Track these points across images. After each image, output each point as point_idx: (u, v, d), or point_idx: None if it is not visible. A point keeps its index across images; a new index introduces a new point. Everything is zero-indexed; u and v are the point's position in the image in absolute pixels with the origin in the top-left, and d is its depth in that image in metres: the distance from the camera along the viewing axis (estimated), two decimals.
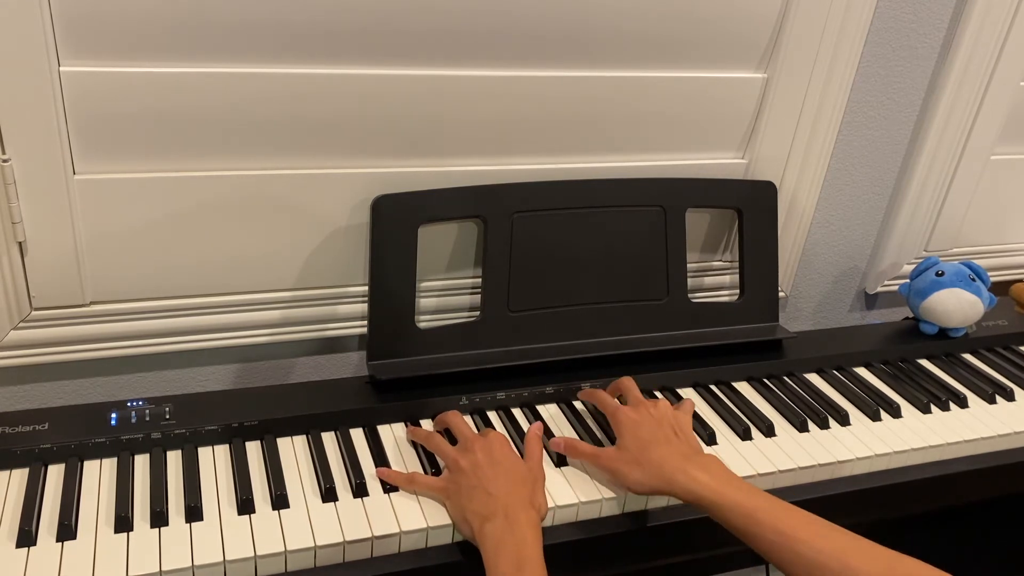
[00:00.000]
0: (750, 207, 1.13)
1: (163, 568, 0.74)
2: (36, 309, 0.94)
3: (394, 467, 0.89)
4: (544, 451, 0.92)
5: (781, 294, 1.26)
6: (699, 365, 1.09)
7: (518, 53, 0.99)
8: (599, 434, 0.97)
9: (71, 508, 0.79)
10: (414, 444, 0.93)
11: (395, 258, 0.98)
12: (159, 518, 0.79)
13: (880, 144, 1.25)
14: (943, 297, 1.19)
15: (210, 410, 0.91)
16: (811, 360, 1.15)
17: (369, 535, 0.80)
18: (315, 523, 0.81)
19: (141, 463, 0.86)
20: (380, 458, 0.90)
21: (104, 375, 1.02)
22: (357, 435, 0.93)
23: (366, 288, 1.06)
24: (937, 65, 1.21)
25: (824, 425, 1.03)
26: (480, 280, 1.03)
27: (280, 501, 0.82)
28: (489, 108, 1.01)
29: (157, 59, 0.86)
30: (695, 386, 1.08)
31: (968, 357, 1.23)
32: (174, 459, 0.87)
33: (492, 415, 0.99)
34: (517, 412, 1.00)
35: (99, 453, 0.86)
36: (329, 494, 0.84)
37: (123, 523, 0.78)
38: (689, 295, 1.12)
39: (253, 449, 0.90)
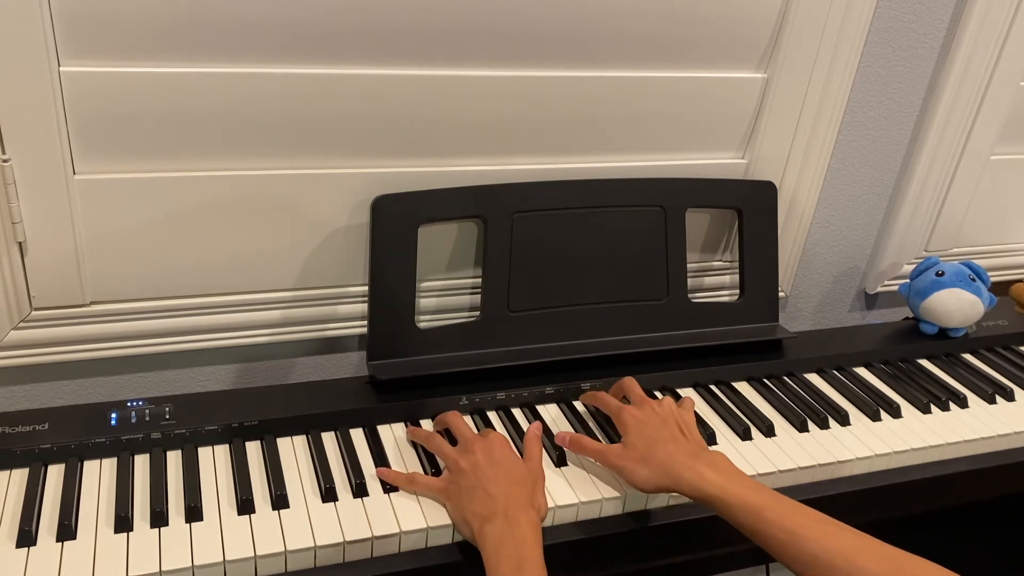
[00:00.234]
0: (750, 207, 1.13)
1: (163, 568, 0.74)
2: (36, 309, 0.94)
3: (394, 467, 0.89)
4: (544, 451, 0.92)
5: (781, 294, 1.26)
6: (699, 365, 1.09)
7: (518, 53, 0.99)
8: (599, 435, 0.97)
9: (71, 508, 0.79)
10: (414, 444, 0.93)
11: (395, 258, 0.98)
12: (159, 518, 0.79)
13: (880, 144, 1.25)
14: (943, 297, 1.19)
15: (210, 410, 0.91)
16: (811, 360, 1.15)
17: (369, 535, 0.80)
18: (315, 523, 0.81)
19: (141, 463, 0.86)
20: (380, 458, 0.90)
21: (104, 375, 1.02)
22: (357, 435, 0.93)
23: (366, 288, 1.06)
24: (937, 65, 1.21)
25: (824, 425, 1.03)
26: (480, 280, 1.03)
27: (280, 501, 0.82)
28: (489, 108, 1.01)
29: (157, 59, 0.86)
30: (695, 386, 1.08)
31: (968, 357, 1.23)
32: (174, 459, 0.87)
33: (492, 415, 0.99)
34: (517, 412, 1.00)
35: (99, 453, 0.86)
36: (329, 494, 0.84)
37: (123, 523, 0.78)
38: (689, 295, 1.12)
39: (253, 449, 0.90)
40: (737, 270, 1.16)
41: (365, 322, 1.06)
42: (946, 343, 1.23)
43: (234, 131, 0.92)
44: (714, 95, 1.10)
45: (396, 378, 0.97)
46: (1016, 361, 1.22)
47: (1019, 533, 1.42)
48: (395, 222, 0.97)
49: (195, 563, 0.75)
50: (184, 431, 0.88)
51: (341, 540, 0.79)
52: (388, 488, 0.86)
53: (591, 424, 0.99)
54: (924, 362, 1.20)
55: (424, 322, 1.08)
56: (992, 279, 1.23)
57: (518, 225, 1.02)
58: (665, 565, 0.93)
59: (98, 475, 0.85)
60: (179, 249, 0.97)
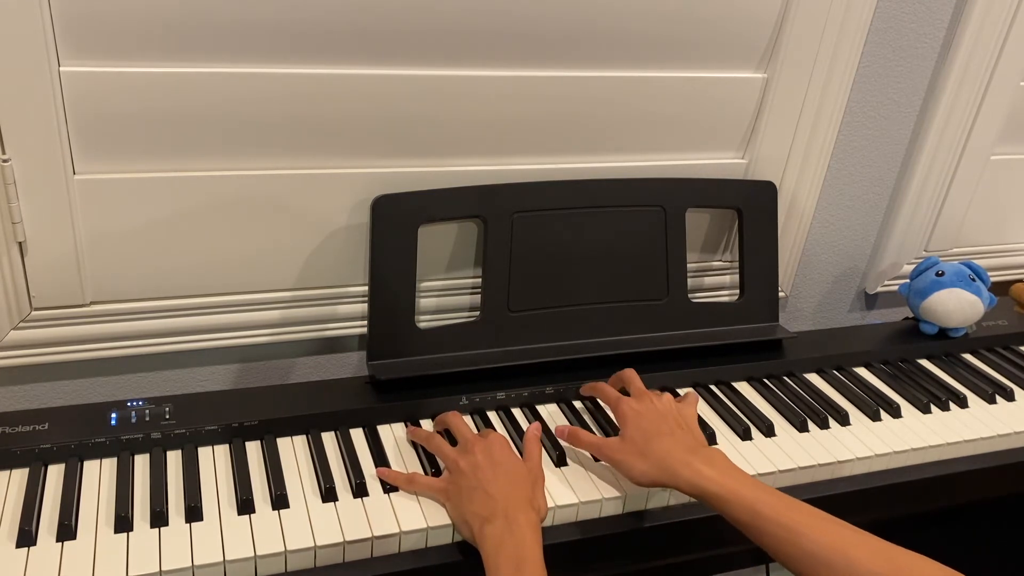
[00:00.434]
0: (750, 207, 1.13)
1: (163, 568, 0.74)
2: (36, 309, 0.94)
3: (394, 467, 0.89)
4: (543, 451, 0.93)
5: (781, 294, 1.26)
6: (699, 365, 1.09)
7: (518, 53, 0.99)
8: (599, 434, 0.97)
9: (71, 508, 0.79)
10: (414, 444, 0.93)
11: (395, 258, 0.98)
12: (159, 518, 0.79)
13: (880, 144, 1.25)
14: (943, 297, 1.19)
15: (210, 410, 0.91)
16: (811, 360, 1.15)
17: (369, 535, 0.80)
18: (315, 523, 0.81)
19: (141, 463, 0.86)
20: (380, 458, 0.90)
21: (104, 375, 1.02)
22: (357, 435, 0.93)
23: (366, 288, 1.06)
24: (937, 65, 1.21)
25: (824, 425, 1.03)
26: (480, 280, 1.03)
27: (280, 501, 0.82)
28: (489, 108, 1.01)
29: (157, 59, 0.86)
30: (695, 386, 1.08)
31: (968, 357, 1.23)
32: (174, 459, 0.87)
33: (492, 415, 0.99)
34: (517, 412, 1.00)
35: (99, 453, 0.86)
36: (329, 494, 0.84)
37: (123, 523, 0.78)
38: (689, 295, 1.12)
39: (253, 449, 0.90)
40: (737, 270, 1.16)
41: (365, 322, 1.06)
42: (946, 343, 1.23)
43: (234, 131, 0.92)
44: (714, 95, 1.10)
45: (396, 378, 0.97)
46: (1016, 361, 1.22)
47: (1019, 533, 1.42)
48: (395, 222, 0.97)
49: (195, 563, 0.75)
50: (184, 431, 0.88)
51: (341, 540, 0.79)
52: (388, 488, 0.86)
53: (590, 423, 0.99)
54: (924, 362, 1.20)
55: (424, 322, 1.08)
56: (992, 279, 1.23)
57: (518, 225, 1.02)
58: (665, 565, 0.93)
59: (98, 475, 0.85)
60: (179, 249, 0.97)
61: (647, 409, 0.89)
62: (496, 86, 0.99)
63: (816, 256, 1.31)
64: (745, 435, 0.99)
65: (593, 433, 0.96)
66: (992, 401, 1.12)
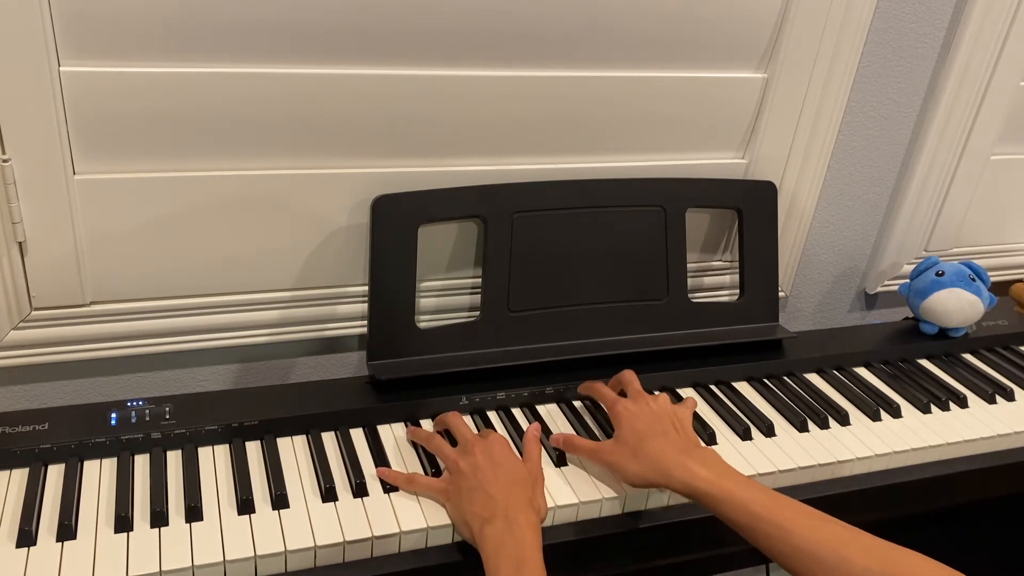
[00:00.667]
0: (750, 207, 1.13)
1: (163, 568, 0.74)
2: (36, 309, 0.94)
3: (394, 467, 0.89)
4: (543, 451, 0.93)
5: (781, 294, 1.26)
6: (699, 365, 1.09)
7: (518, 53, 0.99)
8: (599, 433, 0.97)
9: (71, 508, 0.79)
10: (414, 444, 0.93)
11: (395, 258, 0.98)
12: (159, 518, 0.79)
13: (880, 144, 1.25)
14: (943, 297, 1.19)
15: (210, 410, 0.91)
16: (811, 360, 1.15)
17: (369, 535, 0.80)
18: (315, 523, 0.81)
19: (141, 463, 0.86)
20: (380, 458, 0.90)
21: (104, 375, 1.02)
22: (357, 435, 0.93)
23: (366, 288, 1.06)
24: (937, 65, 1.21)
25: (824, 425, 1.03)
26: (480, 280, 1.03)
27: (280, 501, 0.82)
28: (489, 108, 1.01)
29: (157, 59, 0.86)
30: (695, 386, 1.08)
31: (968, 357, 1.23)
32: (174, 459, 0.87)
33: (492, 415, 0.99)
34: (517, 412, 1.00)
35: (99, 453, 0.86)
36: (329, 494, 0.84)
37: (123, 523, 0.78)
38: (689, 295, 1.12)
39: (253, 449, 0.90)
40: (737, 270, 1.16)
41: (365, 322, 1.06)
42: (946, 343, 1.23)
43: (234, 131, 0.92)
44: (714, 95, 1.10)
45: (396, 378, 0.97)
46: (1016, 361, 1.22)
47: (1019, 533, 1.42)
48: (395, 222, 0.97)
49: (195, 563, 0.75)
50: (184, 431, 0.88)
51: (341, 540, 0.79)
52: (388, 488, 0.86)
53: (590, 423, 0.99)
54: (924, 362, 1.20)
55: (424, 322, 1.08)
56: (992, 279, 1.23)
57: (518, 225, 1.02)
58: (665, 565, 0.93)
59: (98, 475, 0.85)
60: (179, 249, 0.97)
61: (642, 410, 0.90)
62: (496, 86, 0.99)
63: (816, 256, 1.31)
64: (745, 435, 0.99)
65: (593, 436, 0.96)
66: (992, 401, 1.12)
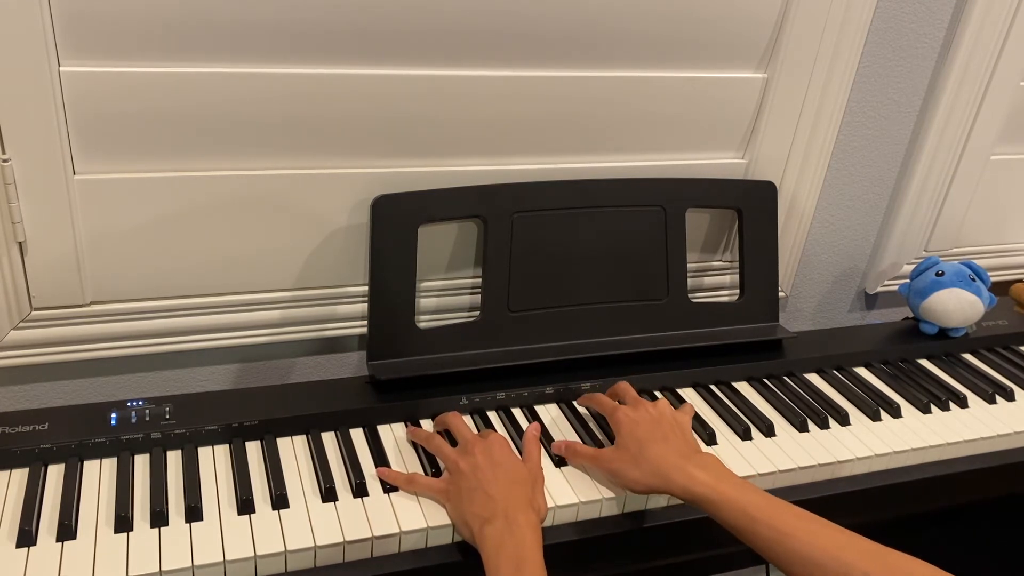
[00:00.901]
0: (750, 207, 1.13)
1: (163, 568, 0.74)
2: (36, 309, 0.94)
3: (394, 467, 0.89)
4: (543, 451, 0.93)
5: (781, 294, 1.26)
6: (699, 365, 1.09)
7: (518, 53, 0.99)
8: (599, 434, 0.97)
9: (71, 508, 0.79)
10: (414, 444, 0.93)
11: (395, 258, 0.98)
12: (159, 518, 0.79)
13: (880, 144, 1.25)
14: (943, 297, 1.19)
15: (210, 410, 0.91)
16: (811, 360, 1.15)
17: (369, 535, 0.80)
18: (315, 523, 0.81)
19: (141, 463, 0.86)
20: (380, 458, 0.90)
21: (104, 375, 1.02)
22: (357, 435, 0.93)
23: (366, 288, 1.06)
24: (937, 65, 1.21)
25: (824, 425, 1.03)
26: (480, 280, 1.03)
27: (280, 501, 0.82)
28: (489, 108, 1.01)
29: (157, 59, 0.86)
30: (695, 386, 1.08)
31: (968, 357, 1.23)
32: (174, 459, 0.87)
33: (492, 415, 0.99)
34: (517, 412, 1.00)
35: (99, 453, 0.86)
36: (329, 494, 0.84)
37: (123, 523, 0.78)
38: (689, 295, 1.12)
39: (253, 449, 0.90)
40: (737, 270, 1.16)
41: (365, 322, 1.06)
42: (946, 343, 1.23)
43: (234, 131, 0.92)
44: (714, 95, 1.10)
45: (396, 378, 0.97)
46: (1016, 361, 1.22)
47: (1019, 533, 1.42)
48: (395, 222, 0.97)
49: (195, 563, 0.75)
50: (184, 431, 0.88)
51: (341, 540, 0.79)
52: (388, 488, 0.86)
53: (590, 423, 0.99)
54: (924, 362, 1.20)
55: (424, 322, 1.08)
56: (992, 279, 1.23)
57: (518, 225, 1.02)
58: (665, 565, 0.93)
59: (98, 475, 0.85)
60: (179, 249, 0.97)
61: (641, 416, 0.89)
62: (496, 86, 0.99)
63: (816, 256, 1.31)
64: (745, 435, 0.99)
65: (594, 437, 0.96)
66: (992, 401, 1.12)
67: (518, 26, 0.97)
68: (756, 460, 0.96)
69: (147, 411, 0.90)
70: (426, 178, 1.02)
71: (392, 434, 0.95)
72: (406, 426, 0.96)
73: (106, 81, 0.85)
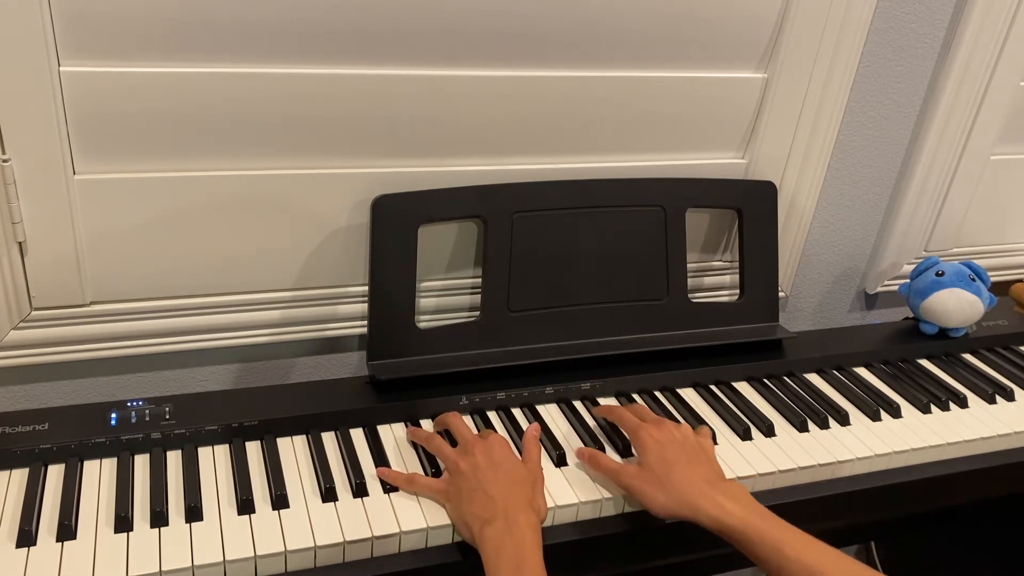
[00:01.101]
0: (750, 207, 1.13)
1: (163, 568, 0.74)
2: (36, 309, 0.94)
3: (394, 467, 0.89)
4: (543, 451, 0.93)
5: (781, 294, 1.26)
6: (699, 365, 1.09)
7: (518, 53, 0.99)
8: (600, 435, 0.97)
9: (71, 508, 0.79)
10: (414, 444, 0.93)
11: (395, 258, 0.98)
12: (159, 518, 0.79)
13: (880, 144, 1.25)
14: (943, 297, 1.19)
15: (210, 410, 0.91)
16: (811, 360, 1.15)
17: (369, 535, 0.80)
18: (315, 523, 0.81)
19: (141, 463, 0.86)
20: (380, 458, 0.90)
21: (104, 375, 1.02)
22: (357, 435, 0.93)
23: (366, 288, 1.06)
24: (937, 65, 1.21)
25: (824, 425, 1.03)
26: (480, 280, 1.03)
27: (280, 501, 0.82)
28: (489, 108, 1.01)
29: (157, 59, 0.86)
30: (695, 386, 1.09)
31: (968, 357, 1.23)
32: (174, 459, 0.87)
33: (492, 415, 0.99)
34: (517, 412, 1.00)
35: (99, 453, 0.86)
36: (329, 494, 0.84)
37: (123, 523, 0.78)
38: (689, 295, 1.12)
39: (253, 449, 0.90)
40: (737, 270, 1.16)
41: (365, 322, 1.06)
42: (946, 343, 1.23)
43: (234, 131, 0.92)
44: (714, 95, 1.10)
45: (396, 378, 0.97)
46: (1016, 361, 1.22)
47: (1019, 533, 1.42)
48: (395, 222, 0.97)
49: (195, 563, 0.75)
50: (184, 431, 0.88)
51: (341, 540, 0.79)
52: (388, 488, 0.86)
53: (591, 423, 0.99)
54: (924, 362, 1.20)
55: (424, 322, 1.08)
56: (992, 279, 1.23)
57: (518, 225, 1.02)
58: (665, 565, 0.93)
59: (98, 475, 0.85)
60: (179, 249, 0.97)
61: (666, 438, 0.88)
62: (496, 86, 0.99)
63: (816, 256, 1.31)
64: (745, 435, 0.99)
65: (594, 437, 0.96)
66: (992, 401, 1.12)
67: (518, 26, 0.97)
68: (756, 460, 0.96)
69: (147, 411, 0.90)
70: (426, 178, 1.02)
71: (392, 434, 0.95)
72: (406, 426, 0.96)
73: (106, 81, 0.85)
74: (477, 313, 1.03)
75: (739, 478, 0.93)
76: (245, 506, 0.82)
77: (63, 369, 0.99)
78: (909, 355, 1.20)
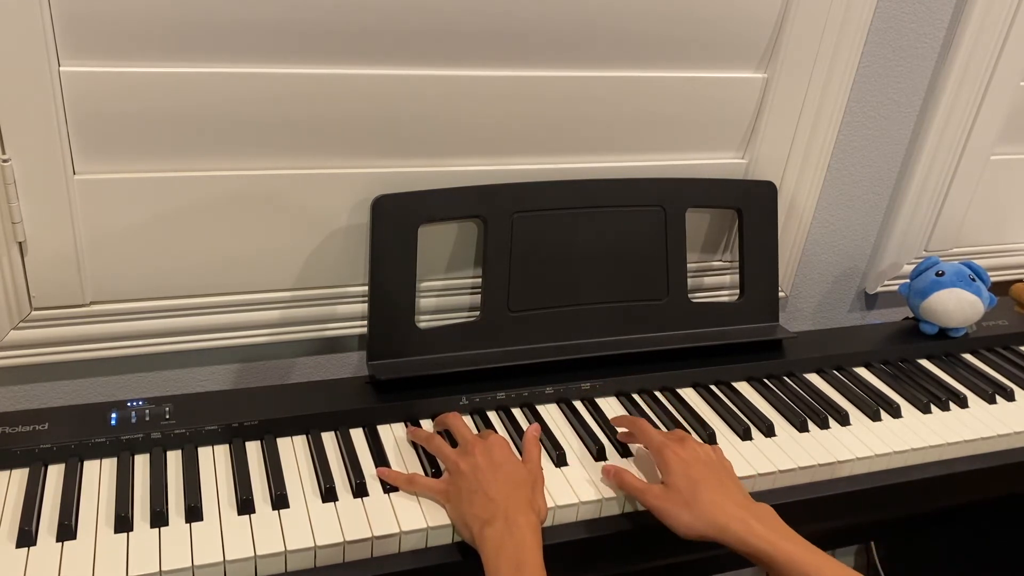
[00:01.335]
0: (750, 207, 1.13)
1: (163, 568, 0.74)
2: (36, 309, 0.94)
3: (394, 467, 0.89)
4: (543, 451, 0.92)
5: (781, 294, 1.26)
6: (699, 365, 1.09)
7: (518, 53, 0.99)
8: (600, 435, 0.97)
9: (71, 508, 0.79)
10: (414, 444, 0.93)
11: (395, 258, 0.98)
12: (159, 518, 0.79)
13: (880, 144, 1.25)
14: (943, 297, 1.19)
15: (210, 410, 0.91)
16: (811, 360, 1.15)
17: (369, 535, 0.80)
18: (315, 523, 0.81)
19: (141, 463, 0.86)
20: (380, 458, 0.90)
21: (104, 375, 1.02)
22: (357, 435, 0.93)
23: (366, 288, 1.06)
24: (937, 65, 1.21)
25: (824, 425, 1.03)
26: (480, 280, 1.03)
27: (280, 501, 0.82)
28: (489, 108, 1.01)
29: (157, 59, 0.86)
30: (695, 386, 1.09)
31: (968, 357, 1.23)
32: (174, 459, 0.87)
33: (492, 415, 0.99)
34: (517, 412, 1.00)
35: (99, 453, 0.86)
36: (329, 494, 0.84)
37: (123, 523, 0.78)
38: (689, 295, 1.12)
39: (253, 449, 0.90)
40: (737, 270, 1.16)
41: (365, 322, 1.06)
42: (946, 343, 1.23)
43: (234, 131, 0.92)
44: (714, 95, 1.10)
45: (396, 378, 0.97)
46: (1016, 361, 1.22)
47: (1019, 533, 1.42)
48: (395, 222, 0.97)
49: (195, 563, 0.75)
50: (184, 431, 0.88)
51: (341, 540, 0.79)
52: (388, 488, 0.86)
53: (591, 423, 0.99)
54: (924, 362, 1.20)
55: (424, 322, 1.08)
56: (992, 279, 1.23)
57: (518, 225, 1.02)
58: (665, 565, 0.93)
59: (98, 475, 0.85)
60: (179, 249, 0.97)
61: (692, 457, 0.86)
62: (496, 86, 0.99)
63: (816, 256, 1.32)
64: (745, 435, 0.99)
65: (594, 437, 0.96)
66: (992, 401, 1.12)
67: (518, 26, 0.97)
68: (756, 460, 0.96)
69: (147, 411, 0.90)
70: (426, 178, 1.02)
71: (392, 434, 0.95)
72: (406, 426, 0.96)
73: (106, 81, 0.85)
74: (477, 313, 1.03)
75: (739, 478, 0.93)
76: (245, 506, 0.82)
77: (63, 369, 0.99)
78: (909, 355, 1.20)
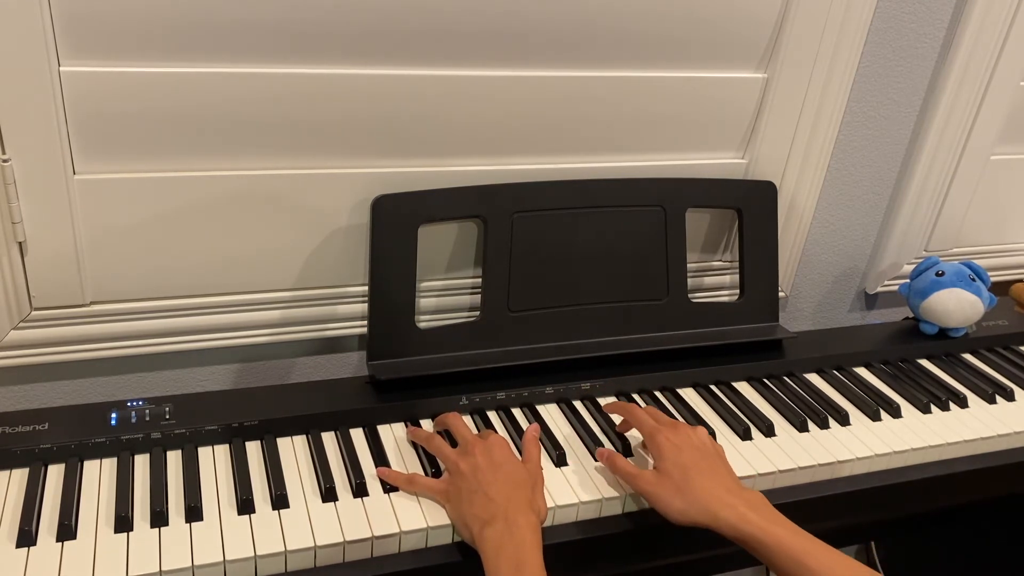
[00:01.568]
0: (750, 207, 1.13)
1: (163, 568, 0.74)
2: (36, 309, 0.94)
3: (394, 467, 0.89)
4: (543, 451, 0.92)
5: (781, 294, 1.26)
6: (699, 365, 1.09)
7: (518, 53, 0.99)
8: (600, 435, 0.97)
9: (71, 508, 0.79)
10: (414, 444, 0.93)
11: (395, 258, 0.98)
12: (159, 518, 0.79)
13: (880, 144, 1.25)
14: (943, 297, 1.19)
15: (210, 410, 0.91)
16: (811, 360, 1.15)
17: (369, 535, 0.80)
18: (315, 523, 0.81)
19: (141, 463, 0.86)
20: (380, 458, 0.90)
21: (104, 375, 1.02)
22: (357, 435, 0.93)
23: (366, 288, 1.06)
24: (937, 65, 1.21)
25: (824, 425, 1.03)
26: (480, 280, 1.03)
27: (280, 501, 0.82)
28: (489, 108, 1.01)
29: (157, 59, 0.86)
30: (695, 386, 1.09)
31: (968, 357, 1.23)
32: (174, 459, 0.87)
33: (492, 415, 0.99)
34: (517, 412, 1.00)
35: (99, 453, 0.86)
36: (329, 494, 0.84)
37: (123, 523, 0.78)
38: (689, 295, 1.12)
39: (253, 449, 0.90)
40: (737, 270, 1.16)
41: (365, 322, 1.06)
42: (946, 343, 1.23)
43: (234, 131, 0.92)
44: (714, 95, 1.10)
45: (396, 378, 0.97)
46: (1016, 361, 1.22)
47: (1019, 533, 1.42)
48: (395, 222, 0.97)
49: (195, 563, 0.75)
50: (184, 431, 0.88)
51: (341, 540, 0.79)
52: (388, 488, 0.86)
53: (591, 423, 0.99)
54: (924, 362, 1.20)
55: (424, 322, 1.08)
56: (992, 279, 1.23)
57: (518, 225, 1.02)
58: (665, 565, 0.93)
59: (98, 475, 0.85)
60: (179, 249, 0.97)
61: (684, 443, 0.86)
62: (496, 86, 0.99)
63: (816, 256, 1.32)
64: (745, 435, 0.99)
65: (594, 437, 0.96)
66: (992, 401, 1.12)
67: (518, 26, 0.97)
68: (756, 460, 0.96)
69: (147, 411, 0.90)
70: (426, 178, 1.02)
71: (392, 434, 0.95)
72: (406, 426, 0.96)
73: (106, 81, 0.85)
74: (477, 313, 1.03)
75: (739, 478, 0.92)
76: (245, 506, 0.82)
77: (63, 369, 0.99)
78: (909, 355, 1.20)
